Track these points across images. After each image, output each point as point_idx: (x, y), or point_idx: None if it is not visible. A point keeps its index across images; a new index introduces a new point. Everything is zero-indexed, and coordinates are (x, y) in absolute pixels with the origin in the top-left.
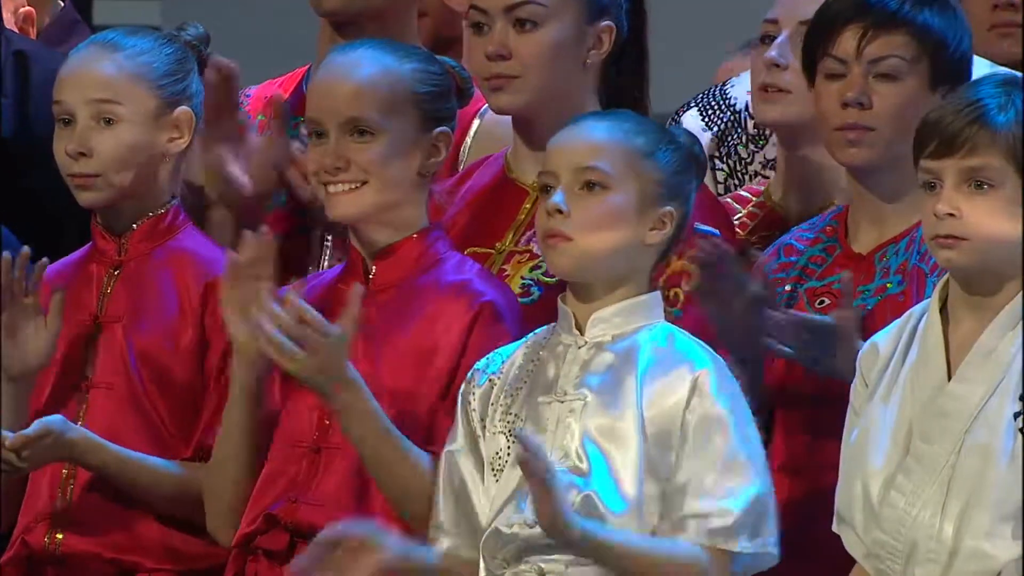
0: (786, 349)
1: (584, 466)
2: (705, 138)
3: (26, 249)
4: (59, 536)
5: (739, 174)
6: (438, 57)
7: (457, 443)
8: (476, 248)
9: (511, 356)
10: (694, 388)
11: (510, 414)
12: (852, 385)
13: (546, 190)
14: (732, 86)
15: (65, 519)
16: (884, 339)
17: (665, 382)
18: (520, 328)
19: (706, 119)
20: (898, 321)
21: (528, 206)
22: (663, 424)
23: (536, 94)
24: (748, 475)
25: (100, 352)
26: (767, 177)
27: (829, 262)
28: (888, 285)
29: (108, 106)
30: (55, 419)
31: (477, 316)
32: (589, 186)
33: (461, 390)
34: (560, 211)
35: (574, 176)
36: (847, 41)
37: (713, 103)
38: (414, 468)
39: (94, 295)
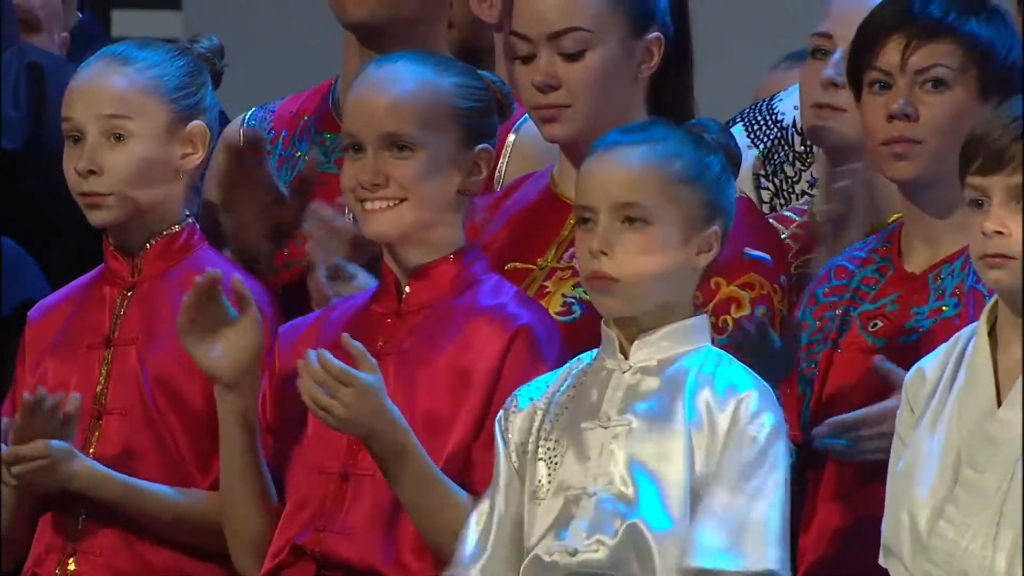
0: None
1: (630, 492)
2: (750, 155)
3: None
4: (71, 567)
5: (785, 193)
6: (479, 71)
7: (499, 482)
8: (518, 264)
9: (555, 381)
10: (736, 412)
11: (550, 440)
12: (897, 413)
13: (584, 222)
14: (780, 100)
15: (76, 548)
16: (931, 364)
17: (712, 406)
18: (560, 351)
19: (752, 136)
20: (945, 345)
21: (572, 222)
22: (709, 449)
23: (589, 120)
24: (760, 544)
25: (113, 376)
26: (813, 196)
27: (882, 283)
28: (944, 308)
29: (118, 121)
30: (60, 445)
31: (512, 340)
32: (630, 220)
33: (498, 419)
34: (604, 252)
35: (613, 212)
36: (891, 52)
37: (759, 118)
38: (456, 512)
39: (107, 317)
